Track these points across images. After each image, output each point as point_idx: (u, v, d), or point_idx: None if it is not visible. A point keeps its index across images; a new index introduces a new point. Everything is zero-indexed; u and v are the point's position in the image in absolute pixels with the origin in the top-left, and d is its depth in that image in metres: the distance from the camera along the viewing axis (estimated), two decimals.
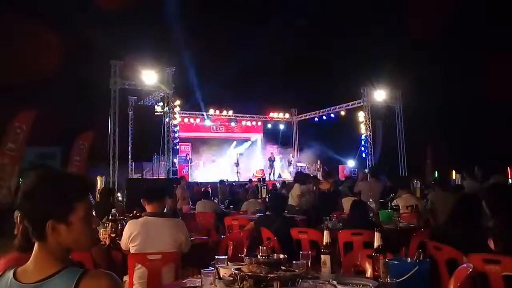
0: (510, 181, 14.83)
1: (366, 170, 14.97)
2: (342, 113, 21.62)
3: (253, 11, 23.15)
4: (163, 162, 16.65)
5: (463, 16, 21.64)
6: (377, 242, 2.38)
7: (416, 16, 19.74)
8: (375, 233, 2.40)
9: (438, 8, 19.92)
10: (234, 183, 16.61)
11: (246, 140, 24.46)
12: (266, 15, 23.80)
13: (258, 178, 18.02)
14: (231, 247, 4.90)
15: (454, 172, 19.24)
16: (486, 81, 19.86)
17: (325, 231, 2.59)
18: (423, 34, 20.20)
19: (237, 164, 21.33)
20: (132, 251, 3.38)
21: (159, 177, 16.06)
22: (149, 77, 15.63)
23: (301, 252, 2.65)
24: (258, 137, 24.76)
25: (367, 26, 23.05)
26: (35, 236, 1.44)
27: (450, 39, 22.46)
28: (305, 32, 24.43)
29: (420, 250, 2.47)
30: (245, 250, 4.90)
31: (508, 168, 17.88)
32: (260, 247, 2.41)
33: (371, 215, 5.62)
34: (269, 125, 24.75)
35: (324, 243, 2.55)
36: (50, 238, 1.43)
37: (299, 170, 22.37)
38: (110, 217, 4.67)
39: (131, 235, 3.31)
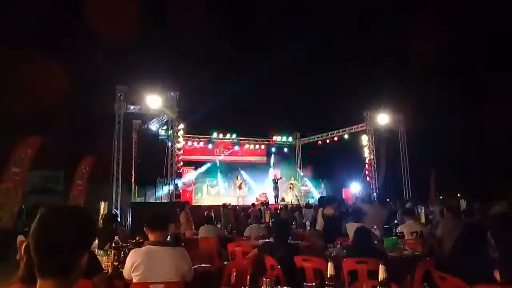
0: None
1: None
2: (346, 136, 21.65)
3: (257, 37, 23.50)
4: (166, 186, 16.65)
5: (466, 42, 21.92)
6: (381, 275, 2.36)
7: (419, 42, 19.95)
8: (380, 265, 2.39)
9: (441, 34, 20.15)
10: (237, 207, 16.52)
11: (250, 163, 24.42)
12: (270, 40, 24.13)
13: (261, 202, 17.94)
14: (234, 274, 4.86)
15: (459, 195, 19.12)
16: (488, 105, 19.94)
17: (329, 263, 2.57)
18: (426, 59, 20.39)
19: (240, 188, 21.29)
20: (134, 280, 3.36)
21: (162, 201, 16.03)
22: (153, 101, 15.79)
23: (304, 283, 2.62)
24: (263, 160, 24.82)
25: (371, 51, 23.33)
26: (58, 272, 1.42)
27: (453, 64, 22.68)
28: (309, 56, 24.73)
29: (425, 284, 2.45)
30: (249, 277, 4.86)
31: None
32: (264, 279, 2.40)
33: (375, 242, 5.57)
34: (273, 149, 24.79)
35: (328, 276, 2.53)
36: (78, 271, 1.46)
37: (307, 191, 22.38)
38: (113, 244, 4.65)
39: (134, 264, 3.29)
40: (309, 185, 23.72)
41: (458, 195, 18.56)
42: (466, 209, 8.39)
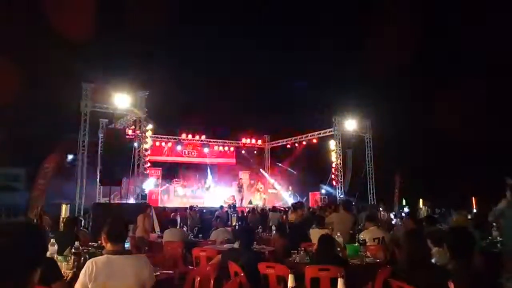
0: (474, 210, 15.25)
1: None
2: (314, 141, 21.89)
3: (227, 38, 23.48)
4: (132, 186, 16.36)
5: (431, 48, 22.60)
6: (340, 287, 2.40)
7: (385, 51, 20.42)
8: (339, 279, 2.42)
9: (406, 43, 20.68)
10: (204, 210, 16.39)
11: (219, 165, 24.33)
12: (241, 42, 24.14)
13: (228, 205, 17.87)
14: (198, 279, 4.83)
15: (421, 201, 19.67)
16: (453, 113, 20.59)
17: (290, 275, 2.59)
18: (392, 67, 20.88)
19: (208, 190, 21.18)
20: None
21: (127, 202, 15.74)
22: (121, 100, 15.50)
23: None
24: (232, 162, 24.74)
25: (340, 58, 23.70)
26: None
27: (419, 72, 23.33)
28: (280, 60, 24.88)
29: None
30: (212, 282, 4.84)
31: (473, 198, 18.46)
32: None
33: (338, 249, 5.64)
34: (242, 151, 24.78)
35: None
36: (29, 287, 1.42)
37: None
38: (73, 250, 4.54)
39: (91, 274, 3.19)
40: (277, 188, 23.81)
41: (421, 201, 19.11)
42: (427, 217, 8.61)
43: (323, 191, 21.72)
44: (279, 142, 24.57)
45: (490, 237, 6.95)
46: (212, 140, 23.70)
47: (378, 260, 5.55)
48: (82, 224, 12.20)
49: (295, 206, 9.07)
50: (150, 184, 19.29)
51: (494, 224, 6.44)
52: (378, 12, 21.61)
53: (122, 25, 20.08)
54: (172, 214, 14.30)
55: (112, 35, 20.10)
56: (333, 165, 20.58)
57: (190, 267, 6.79)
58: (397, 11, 21.10)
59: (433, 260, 3.92)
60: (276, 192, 23.50)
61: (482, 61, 22.11)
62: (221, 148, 24.21)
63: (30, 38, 18.00)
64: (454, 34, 22.44)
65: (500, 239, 6.56)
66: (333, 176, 20.65)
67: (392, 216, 14.48)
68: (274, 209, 15.74)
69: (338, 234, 6.13)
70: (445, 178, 21.63)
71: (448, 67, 23.40)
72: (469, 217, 7.95)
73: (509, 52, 20.13)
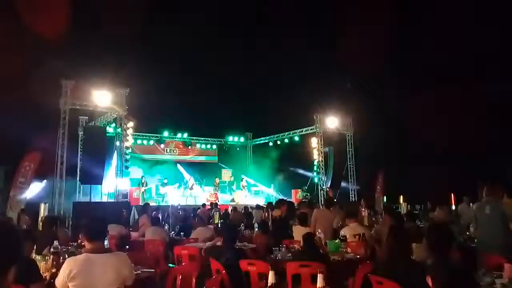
0: (453, 207, 15.51)
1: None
2: (296, 138, 22.02)
3: (209, 35, 23.35)
4: (113, 185, 16.19)
5: (412, 50, 22.84)
6: (320, 283, 2.42)
7: (366, 49, 20.56)
8: (318, 275, 2.44)
9: (388, 41, 20.86)
10: (186, 208, 16.31)
11: (201, 163, 24.29)
12: (221, 41, 24.03)
13: (211, 203, 17.81)
14: (180, 277, 4.82)
15: (401, 197, 19.93)
16: (433, 113, 20.87)
17: (270, 272, 2.60)
18: (373, 66, 21.05)
19: (191, 188, 21.08)
20: None
21: (108, 201, 15.58)
22: (102, 97, 15.30)
23: None
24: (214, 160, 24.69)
25: (323, 56, 23.79)
26: None
27: (402, 71, 23.54)
28: (262, 57, 24.85)
29: None
30: (194, 280, 4.83)
31: (452, 194, 18.79)
32: None
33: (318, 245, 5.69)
34: (224, 149, 24.76)
35: (269, 285, 2.56)
36: (3, 285, 1.41)
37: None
38: (52, 249, 4.47)
39: (71, 273, 3.15)
40: (260, 186, 23.85)
41: (401, 197, 19.36)
42: (407, 213, 8.75)
43: (305, 187, 21.84)
44: (261, 140, 24.64)
45: (467, 233, 7.10)
46: (194, 137, 23.61)
47: (358, 256, 5.61)
48: (65, 224, 12.07)
49: (278, 203, 9.12)
50: (131, 183, 19.15)
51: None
52: (359, 10, 21.77)
53: (102, 22, 19.77)
54: (154, 212, 14.19)
55: (92, 32, 19.77)
56: (315, 162, 20.72)
57: (171, 265, 6.77)
58: (381, 9, 21.25)
59: (412, 256, 3.98)
60: (259, 190, 23.55)
61: (469, 62, 22.42)
62: (203, 146, 24.14)
63: (7, 36, 17.59)
64: (440, 33, 22.70)
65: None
66: (315, 174, 20.79)
67: (372, 213, 14.65)
68: (257, 206, 15.74)
69: (319, 231, 6.18)
70: (425, 175, 21.93)
71: (433, 66, 23.67)
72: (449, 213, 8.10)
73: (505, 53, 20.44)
